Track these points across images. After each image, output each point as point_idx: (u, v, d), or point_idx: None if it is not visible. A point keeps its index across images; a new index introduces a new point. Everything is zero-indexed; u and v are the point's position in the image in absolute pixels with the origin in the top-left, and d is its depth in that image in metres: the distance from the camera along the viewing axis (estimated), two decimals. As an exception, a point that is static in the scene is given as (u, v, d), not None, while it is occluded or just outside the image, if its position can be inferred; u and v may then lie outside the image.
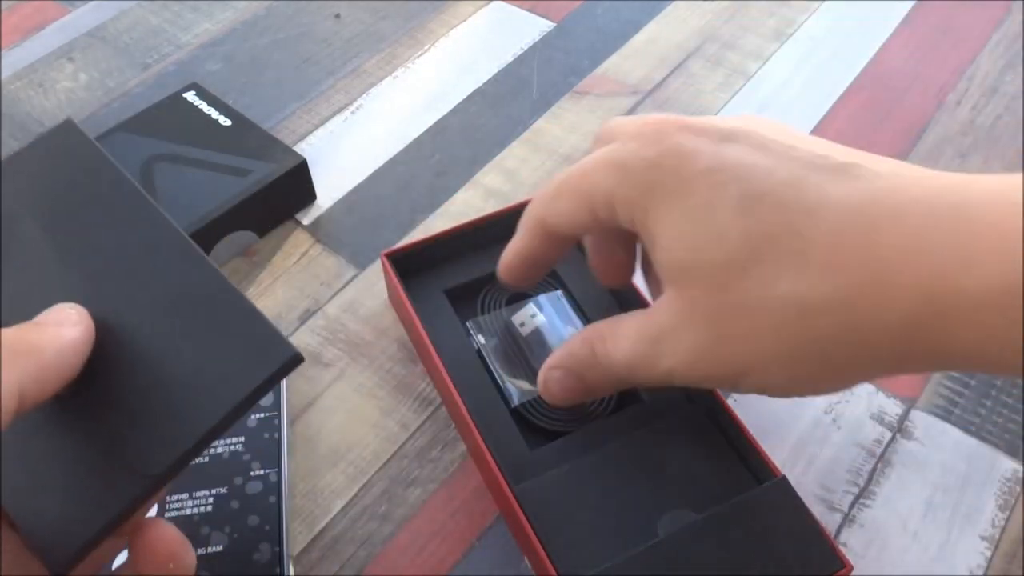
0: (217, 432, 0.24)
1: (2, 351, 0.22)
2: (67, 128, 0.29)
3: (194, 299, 0.25)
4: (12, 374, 0.22)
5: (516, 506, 0.33)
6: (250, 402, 0.24)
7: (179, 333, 0.25)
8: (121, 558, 0.32)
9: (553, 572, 0.31)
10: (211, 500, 0.35)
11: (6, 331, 0.23)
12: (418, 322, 0.38)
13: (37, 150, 0.29)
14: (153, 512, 0.35)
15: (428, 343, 0.37)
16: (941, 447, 0.38)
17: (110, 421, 0.25)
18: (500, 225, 0.42)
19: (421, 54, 0.57)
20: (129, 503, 0.24)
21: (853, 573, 0.34)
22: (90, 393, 0.25)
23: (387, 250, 0.41)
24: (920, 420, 0.39)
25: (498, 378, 0.38)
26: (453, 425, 0.39)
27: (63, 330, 0.24)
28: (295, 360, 0.24)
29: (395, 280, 0.40)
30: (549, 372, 0.33)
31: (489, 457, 0.34)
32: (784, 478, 0.33)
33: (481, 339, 0.39)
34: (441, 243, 0.42)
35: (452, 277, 0.42)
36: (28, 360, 0.23)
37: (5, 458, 0.25)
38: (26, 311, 0.25)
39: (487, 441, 0.34)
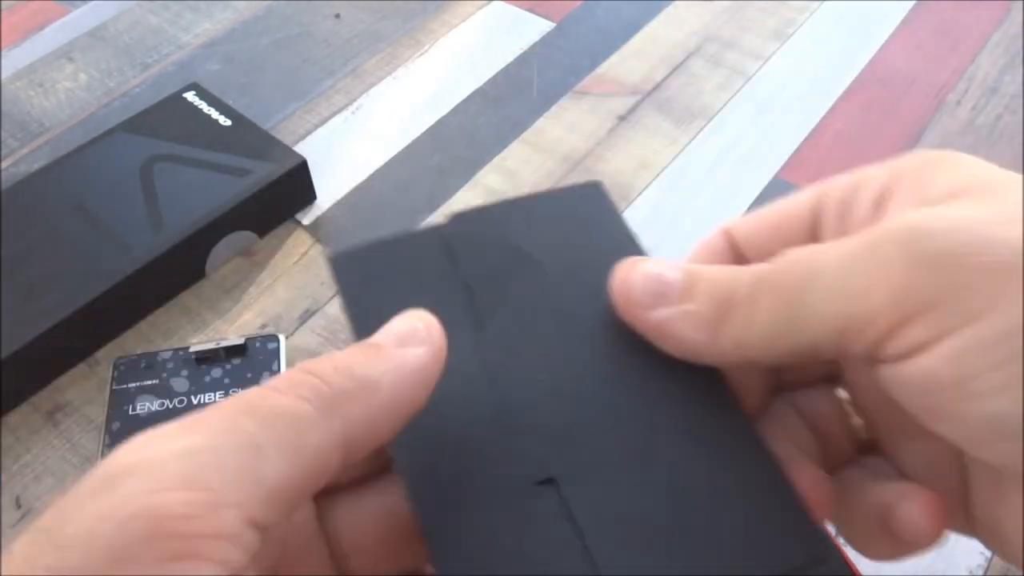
0: None
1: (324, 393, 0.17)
2: (594, 188, 0.27)
3: (718, 443, 0.21)
4: (334, 423, 0.17)
5: None
6: None
7: (694, 465, 0.21)
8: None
9: None
10: (211, 500, 0.35)
11: (331, 360, 0.18)
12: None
13: (560, 201, 0.26)
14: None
15: None
16: (941, 447, 0.38)
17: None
18: None
19: (421, 54, 0.57)
20: None
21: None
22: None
23: None
24: (920, 420, 0.39)
25: None
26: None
27: (407, 353, 0.19)
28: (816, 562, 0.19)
29: None
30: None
31: None
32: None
33: None
34: None
35: None
36: (355, 404, 0.18)
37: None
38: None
39: None
